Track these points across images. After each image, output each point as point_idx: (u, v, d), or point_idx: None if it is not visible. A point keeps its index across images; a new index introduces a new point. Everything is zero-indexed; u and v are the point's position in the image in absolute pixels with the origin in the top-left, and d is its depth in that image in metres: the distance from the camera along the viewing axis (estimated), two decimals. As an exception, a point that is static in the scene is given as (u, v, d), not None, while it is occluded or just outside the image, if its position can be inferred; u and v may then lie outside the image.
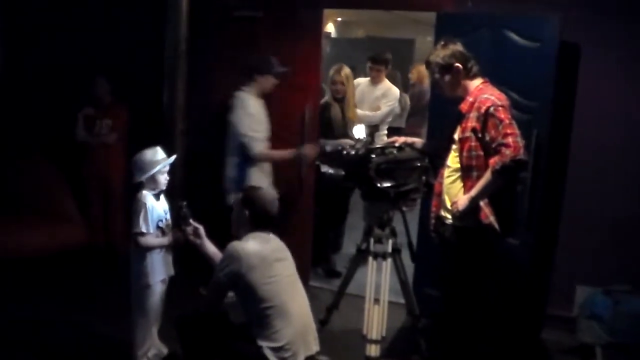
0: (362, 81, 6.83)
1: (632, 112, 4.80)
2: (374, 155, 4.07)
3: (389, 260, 4.19)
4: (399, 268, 4.28)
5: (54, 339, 4.59)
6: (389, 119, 6.67)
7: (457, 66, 3.86)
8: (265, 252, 3.57)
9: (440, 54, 3.89)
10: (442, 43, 3.94)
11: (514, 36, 4.62)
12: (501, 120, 3.62)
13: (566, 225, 5.05)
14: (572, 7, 4.64)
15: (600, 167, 4.88)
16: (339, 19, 12.70)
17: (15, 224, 5.96)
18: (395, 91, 6.72)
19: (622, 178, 4.84)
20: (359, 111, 6.40)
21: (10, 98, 6.67)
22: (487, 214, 3.76)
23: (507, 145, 3.56)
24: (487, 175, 3.67)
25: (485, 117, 3.67)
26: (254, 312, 3.50)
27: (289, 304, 3.54)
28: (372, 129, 6.37)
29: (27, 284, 5.45)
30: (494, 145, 3.63)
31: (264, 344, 3.44)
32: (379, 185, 4.03)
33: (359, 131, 5.20)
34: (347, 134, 5.90)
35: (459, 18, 4.88)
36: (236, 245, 3.56)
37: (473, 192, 3.73)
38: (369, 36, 12.80)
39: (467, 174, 3.82)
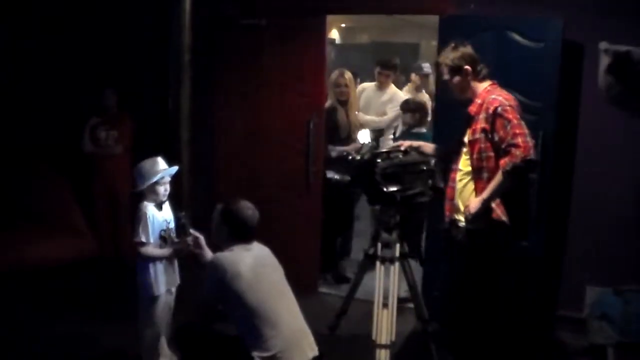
0: (367, 86, 6.83)
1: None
2: (379, 160, 4.06)
3: (397, 264, 4.18)
4: (407, 272, 4.27)
5: (63, 351, 4.58)
6: (395, 124, 6.66)
7: (467, 68, 3.88)
8: (248, 259, 3.56)
9: (450, 56, 3.92)
10: (452, 45, 3.96)
11: (517, 37, 4.63)
12: (509, 120, 3.64)
13: (575, 226, 5.02)
14: (574, 7, 4.63)
15: (607, 166, 4.86)
16: (343, 25, 12.71)
17: (24, 237, 5.98)
18: (401, 96, 6.71)
19: (629, 176, 4.81)
20: (366, 116, 6.40)
21: (18, 110, 6.70)
22: (499, 214, 3.77)
23: (516, 146, 3.58)
24: (497, 177, 3.68)
25: (494, 118, 3.69)
26: (243, 322, 3.48)
27: (277, 311, 3.51)
28: (377, 134, 6.38)
29: (35, 296, 5.45)
30: (503, 146, 3.64)
31: (255, 354, 3.41)
32: (385, 189, 4.02)
33: (364, 136, 5.19)
34: (352, 138, 5.91)
35: (462, 21, 4.87)
36: (219, 256, 3.57)
37: (485, 194, 3.74)
38: (373, 41, 12.79)
39: (477, 175, 3.83)
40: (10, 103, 6.67)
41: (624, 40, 4.73)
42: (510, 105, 3.70)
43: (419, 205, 4.32)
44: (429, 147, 4.38)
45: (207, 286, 3.56)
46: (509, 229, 3.78)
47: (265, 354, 3.41)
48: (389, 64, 6.70)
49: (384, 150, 4.27)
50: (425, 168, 4.17)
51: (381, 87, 6.67)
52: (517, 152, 3.57)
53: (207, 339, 3.66)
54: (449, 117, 4.80)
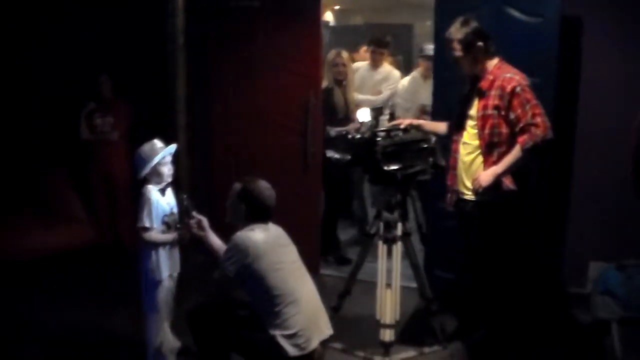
0: (361, 65, 6.78)
1: (637, 86, 4.75)
2: (379, 138, 4.05)
3: (399, 244, 4.16)
4: (409, 252, 4.26)
5: (65, 339, 4.57)
6: (391, 103, 6.63)
7: (480, 44, 3.90)
8: (269, 240, 3.56)
9: (462, 31, 3.93)
10: (462, 20, 3.97)
11: (514, 12, 4.58)
12: (528, 100, 3.76)
13: (576, 202, 5.02)
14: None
15: (607, 142, 4.84)
16: (337, 7, 12.64)
17: (22, 225, 5.96)
18: (396, 74, 6.69)
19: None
20: (360, 96, 6.36)
21: (13, 98, 6.64)
22: (508, 184, 3.86)
23: (536, 125, 3.72)
24: (514, 153, 3.78)
25: (511, 96, 3.77)
26: (264, 301, 3.47)
27: (297, 290, 3.52)
28: (377, 112, 6.34)
29: (35, 285, 5.44)
30: (521, 125, 3.75)
31: (276, 332, 3.41)
32: (385, 168, 4.00)
33: (364, 114, 5.14)
34: (349, 118, 5.87)
35: (458, -3, 4.82)
36: (242, 235, 3.53)
37: (499, 168, 3.83)
38: (367, 23, 12.72)
39: (488, 150, 3.90)
40: (5, 91, 6.61)
41: (623, 12, 4.70)
42: (527, 85, 3.80)
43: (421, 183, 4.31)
44: (429, 124, 4.37)
45: (225, 265, 3.52)
46: (518, 196, 3.88)
47: (286, 332, 3.42)
48: (381, 42, 6.67)
49: (384, 128, 4.23)
50: (426, 146, 4.15)
51: (375, 65, 6.64)
52: (538, 132, 3.72)
53: (222, 321, 3.63)
54: (446, 93, 4.77)
